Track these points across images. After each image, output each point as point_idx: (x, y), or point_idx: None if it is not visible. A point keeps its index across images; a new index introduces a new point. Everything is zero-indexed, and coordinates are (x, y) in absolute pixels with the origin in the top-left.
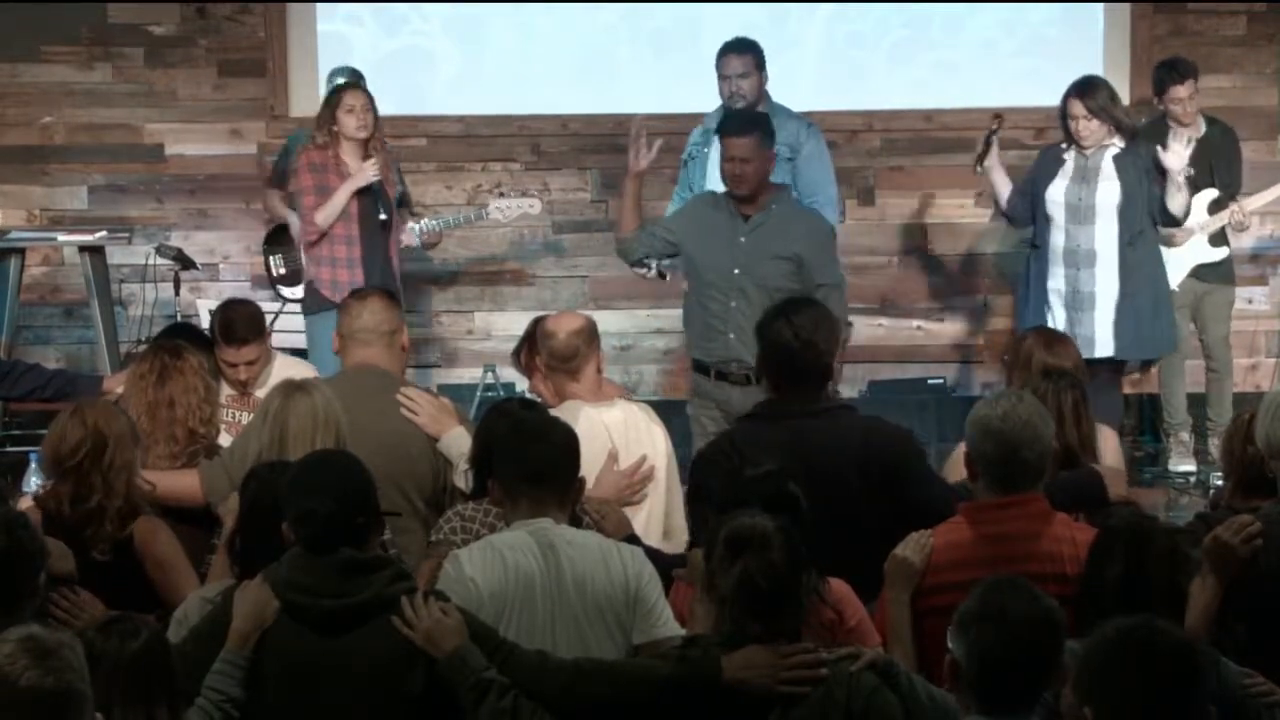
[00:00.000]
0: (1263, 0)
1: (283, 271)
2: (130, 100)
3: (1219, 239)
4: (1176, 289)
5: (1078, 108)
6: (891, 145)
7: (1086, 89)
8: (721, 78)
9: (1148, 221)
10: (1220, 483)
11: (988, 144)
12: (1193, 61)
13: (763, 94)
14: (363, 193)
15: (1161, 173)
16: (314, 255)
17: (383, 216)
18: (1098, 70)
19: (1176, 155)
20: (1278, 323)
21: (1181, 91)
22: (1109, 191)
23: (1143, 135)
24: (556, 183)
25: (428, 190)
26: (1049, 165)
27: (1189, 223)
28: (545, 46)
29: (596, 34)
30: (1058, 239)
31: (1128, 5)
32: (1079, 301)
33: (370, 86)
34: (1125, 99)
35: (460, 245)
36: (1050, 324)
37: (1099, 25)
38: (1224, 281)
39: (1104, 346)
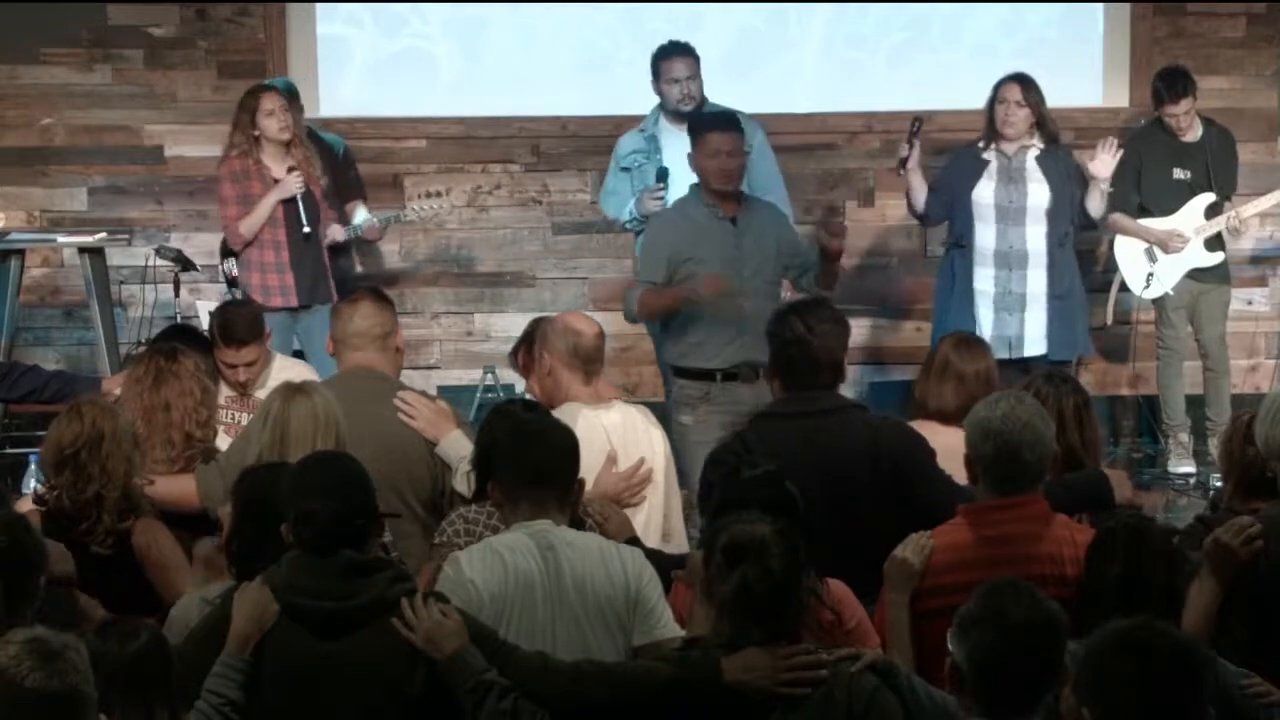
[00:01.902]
0: (1262, 1)
1: (234, 274)
2: (130, 102)
3: (1215, 242)
4: (1172, 291)
5: (1014, 92)
6: (891, 147)
7: (1026, 79)
8: (670, 81)
9: (1070, 223)
10: (1220, 484)
11: (910, 145)
12: (1191, 77)
13: (702, 94)
14: (288, 201)
15: (1080, 177)
16: (244, 261)
17: (305, 230)
18: (1098, 73)
19: (1104, 164)
20: (1278, 324)
21: (1178, 108)
22: (1039, 193)
23: (1138, 137)
24: (556, 184)
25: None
26: (968, 165)
27: (1186, 226)
28: (545, 48)
29: (596, 36)
30: (987, 240)
31: (1127, 7)
32: (1009, 302)
33: (370, 88)
34: (1125, 101)
35: (459, 247)
36: (975, 324)
37: (1098, 27)
38: (1220, 281)
39: (1034, 345)
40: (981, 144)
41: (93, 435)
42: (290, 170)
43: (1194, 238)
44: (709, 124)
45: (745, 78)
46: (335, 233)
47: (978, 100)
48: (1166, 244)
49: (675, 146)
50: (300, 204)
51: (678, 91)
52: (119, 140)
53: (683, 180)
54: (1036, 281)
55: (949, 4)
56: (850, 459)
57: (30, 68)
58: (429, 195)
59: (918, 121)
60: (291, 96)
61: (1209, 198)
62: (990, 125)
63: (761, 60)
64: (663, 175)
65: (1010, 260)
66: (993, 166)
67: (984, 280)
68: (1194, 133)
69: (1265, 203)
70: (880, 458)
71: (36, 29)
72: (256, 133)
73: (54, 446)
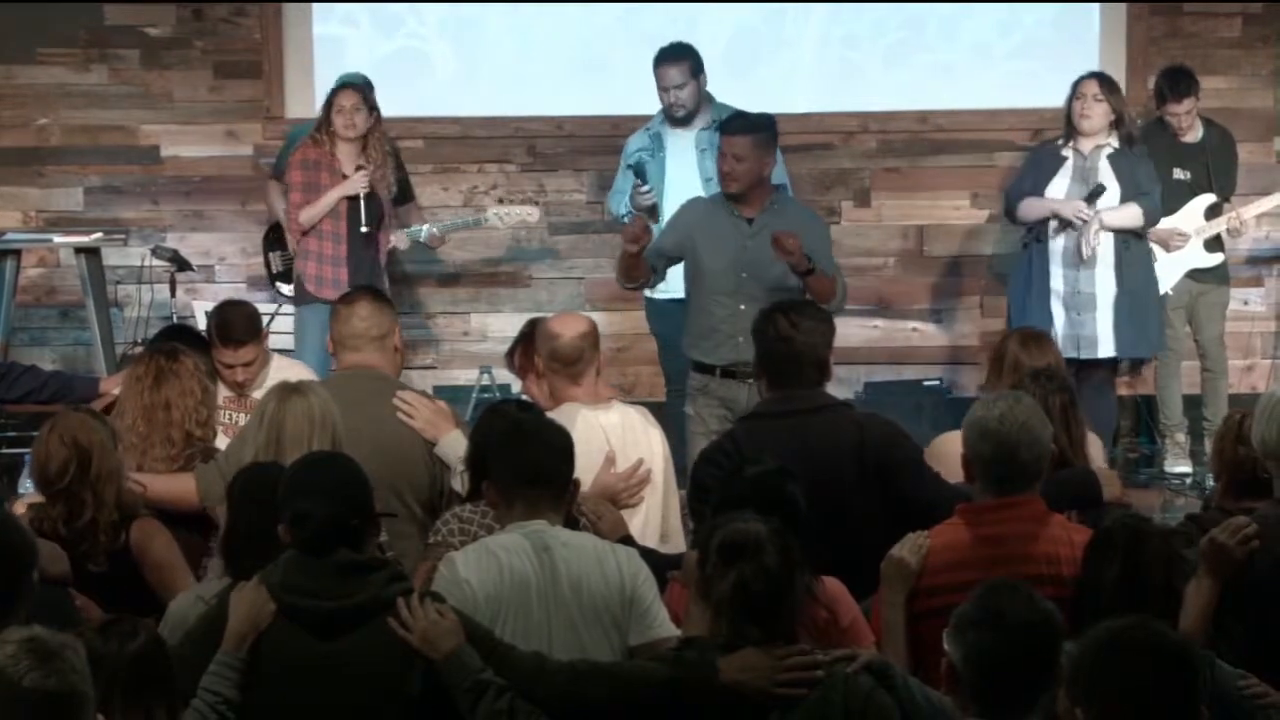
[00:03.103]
0: (1259, 1)
1: (280, 269)
2: (126, 102)
3: (1214, 244)
4: (1171, 291)
5: (1092, 88)
6: (887, 147)
7: (1105, 77)
8: (660, 89)
9: None
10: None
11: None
12: (1194, 77)
13: (703, 96)
14: (352, 197)
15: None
16: (302, 249)
17: (364, 229)
18: None
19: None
20: (1273, 324)
21: (1180, 108)
22: (1109, 193)
23: (1139, 136)
24: (552, 184)
25: (424, 191)
26: (1048, 163)
27: (1186, 227)
28: (541, 48)
29: (593, 36)
30: (1059, 239)
31: (1124, 6)
32: (1079, 302)
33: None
34: None
35: (456, 247)
36: (1052, 323)
37: (1095, 27)
38: (1219, 282)
39: (1105, 346)
40: (1060, 141)
41: (80, 458)
42: (359, 169)
43: (1194, 238)
44: (725, 125)
45: (742, 77)
46: (398, 239)
47: (974, 100)
48: (1167, 243)
49: (678, 146)
50: (362, 203)
51: (666, 99)
52: (115, 140)
53: (681, 180)
54: (1105, 281)
55: (945, 4)
56: (837, 457)
57: (26, 68)
58: (510, 201)
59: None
60: (368, 89)
61: (1209, 198)
62: (1068, 122)
63: (758, 60)
64: (640, 173)
65: (1079, 260)
66: (1068, 164)
67: (1056, 279)
68: (1195, 133)
69: (1266, 204)
70: (866, 455)
71: (32, 29)
72: (331, 127)
73: (41, 477)
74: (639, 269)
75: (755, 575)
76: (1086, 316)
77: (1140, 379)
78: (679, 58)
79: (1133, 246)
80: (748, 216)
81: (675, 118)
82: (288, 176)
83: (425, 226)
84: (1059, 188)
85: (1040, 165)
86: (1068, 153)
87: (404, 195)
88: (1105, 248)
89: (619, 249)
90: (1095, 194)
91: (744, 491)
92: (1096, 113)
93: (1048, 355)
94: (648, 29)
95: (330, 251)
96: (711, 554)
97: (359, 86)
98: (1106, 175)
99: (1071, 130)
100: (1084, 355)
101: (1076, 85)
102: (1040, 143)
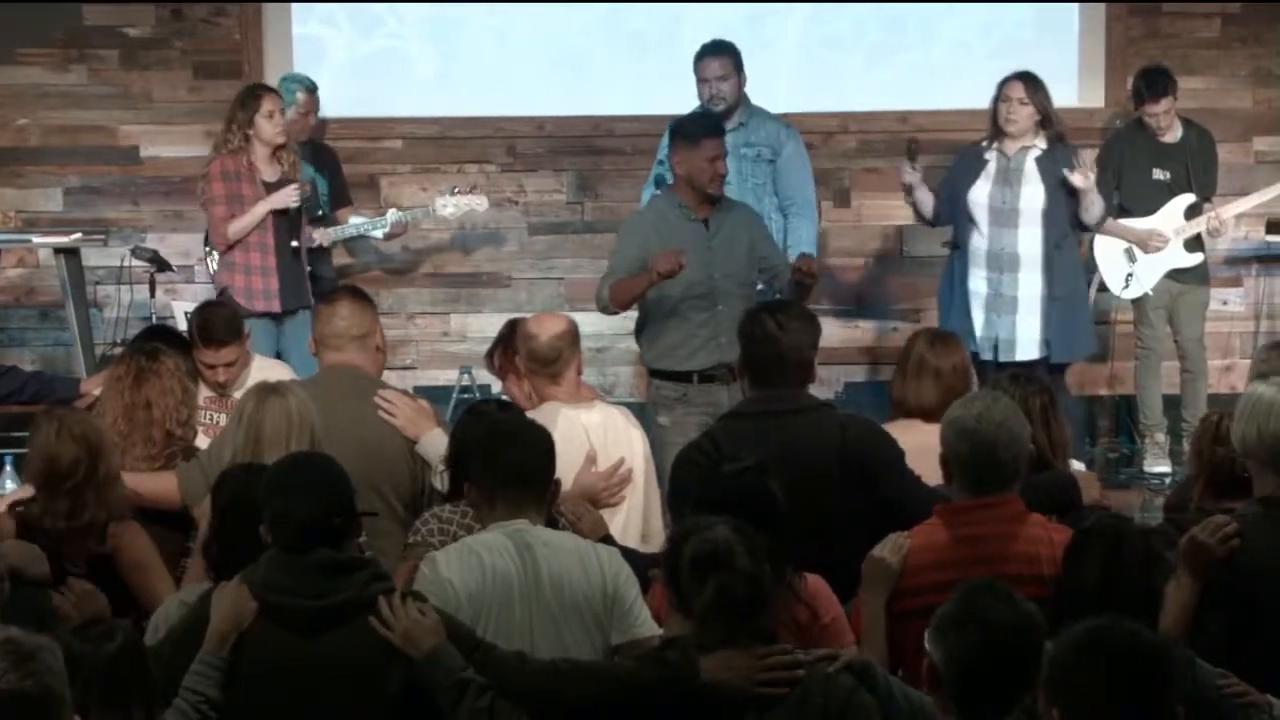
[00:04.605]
0: (1237, 1)
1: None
2: (105, 102)
3: (1194, 244)
4: (1151, 291)
5: (1017, 90)
6: (867, 147)
7: (1030, 77)
8: (701, 80)
9: (1069, 225)
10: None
11: (913, 168)
12: (1172, 77)
13: (742, 95)
14: (279, 211)
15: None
16: (227, 261)
17: (295, 244)
18: (1073, 73)
19: (1082, 176)
20: (1253, 324)
21: (1158, 107)
22: (1033, 195)
23: (1119, 137)
24: (532, 184)
25: (404, 192)
26: (970, 165)
27: (1166, 227)
28: (521, 48)
29: (573, 36)
30: (979, 241)
31: (1103, 7)
32: (999, 304)
33: (346, 88)
34: (1100, 101)
35: (436, 247)
36: (971, 326)
37: (1074, 28)
38: (1199, 282)
39: (1026, 349)
40: (984, 143)
41: (90, 457)
42: (284, 179)
43: (1174, 238)
44: (705, 128)
45: None
46: (321, 236)
47: (954, 100)
48: (1146, 243)
49: None
50: (291, 216)
51: (707, 91)
52: (94, 140)
53: None
54: (1030, 285)
55: (925, 5)
56: (820, 458)
57: (5, 68)
58: (457, 192)
59: (914, 143)
60: (311, 91)
61: (1189, 198)
62: (993, 123)
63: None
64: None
65: (1002, 262)
66: (991, 167)
67: (977, 281)
68: (1174, 133)
69: (1245, 204)
70: (849, 456)
71: (11, 29)
72: (250, 131)
73: (48, 473)
74: (644, 297)
75: (734, 581)
76: (1006, 319)
77: (1120, 379)
78: (721, 51)
79: (1063, 249)
80: (703, 218)
81: (714, 111)
82: (209, 189)
83: (395, 217)
84: (981, 190)
85: (962, 168)
86: (990, 155)
87: (343, 198)
88: (1033, 250)
89: (599, 251)
90: (912, 153)
91: (722, 490)
92: (1021, 115)
93: (954, 356)
94: (629, 29)
95: (258, 262)
96: (684, 569)
97: (277, 92)
98: (1031, 177)
99: (997, 132)
100: (1002, 358)
101: (1001, 87)
102: (963, 147)
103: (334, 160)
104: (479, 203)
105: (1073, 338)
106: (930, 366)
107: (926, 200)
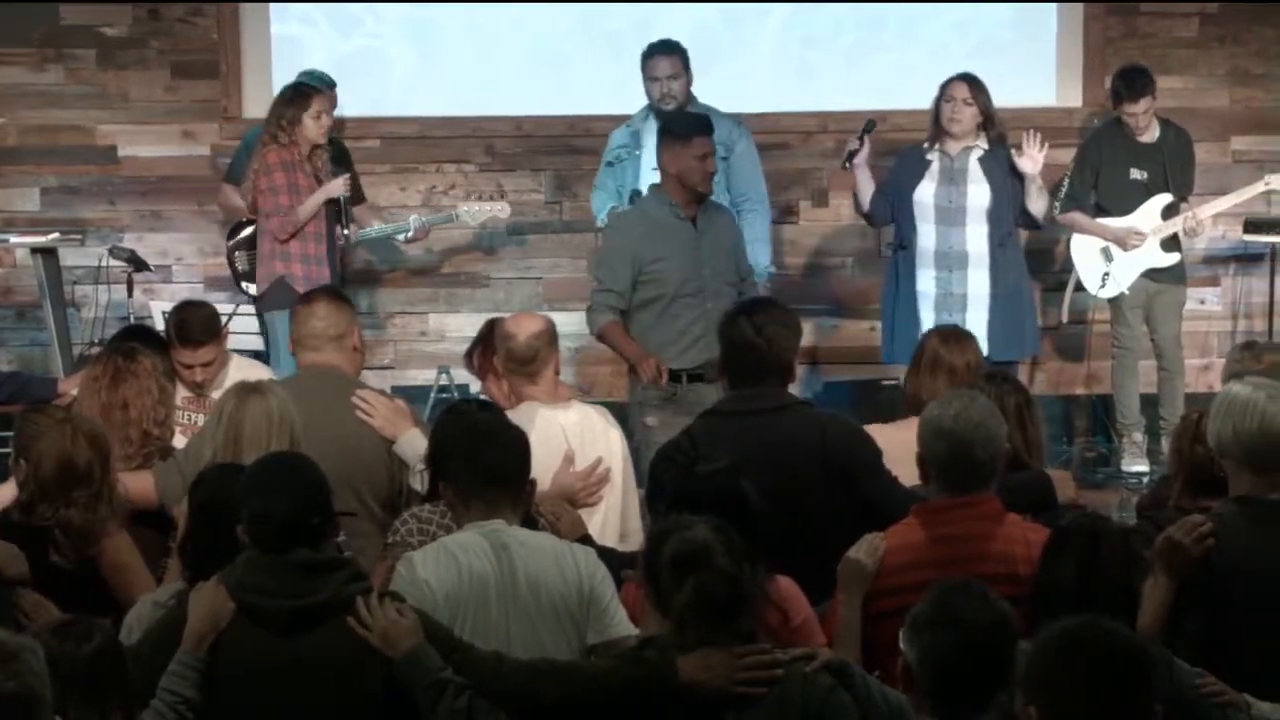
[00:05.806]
0: (1215, 1)
1: (245, 268)
2: (83, 102)
3: (1171, 243)
4: (1128, 291)
5: (961, 91)
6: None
7: (973, 79)
8: (651, 79)
9: (1013, 223)
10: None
11: (861, 142)
12: (1151, 76)
13: (689, 94)
14: (331, 200)
15: (1019, 176)
16: (284, 251)
17: (345, 233)
18: (1051, 73)
19: (1031, 160)
20: (1230, 323)
21: (1137, 107)
22: (979, 194)
23: (1096, 136)
24: (511, 184)
25: (382, 192)
26: (913, 166)
27: (1143, 226)
28: (500, 48)
29: (551, 36)
30: (927, 241)
31: (1081, 7)
32: (950, 304)
33: None
34: (1078, 101)
35: (414, 246)
36: (919, 326)
37: (1052, 28)
38: (1175, 281)
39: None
40: (926, 144)
41: (101, 460)
42: (333, 172)
43: (1151, 237)
44: (696, 127)
45: (700, 77)
46: (347, 235)
47: (931, 101)
48: (1124, 242)
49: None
50: (341, 205)
51: (658, 90)
52: (72, 140)
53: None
54: (978, 283)
55: (904, 4)
56: (799, 456)
57: None
58: (481, 198)
59: (872, 122)
60: (331, 88)
61: (1166, 198)
62: (936, 124)
63: (717, 60)
64: (634, 199)
65: (950, 261)
66: (934, 167)
67: (926, 282)
68: (1152, 133)
69: (1222, 204)
70: (828, 454)
71: None
72: (299, 128)
73: (64, 472)
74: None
75: (714, 581)
76: (957, 318)
77: (1097, 379)
78: (671, 51)
79: (1007, 248)
80: (690, 217)
81: (664, 110)
82: (270, 179)
83: (417, 221)
84: (926, 190)
85: (905, 169)
86: (933, 155)
87: (359, 195)
88: (980, 248)
89: (577, 251)
90: (869, 128)
91: (695, 489)
92: (965, 116)
93: (968, 353)
94: (606, 29)
95: (314, 252)
96: (663, 569)
97: (327, 92)
98: (976, 176)
99: (939, 132)
100: None
101: (945, 87)
102: (904, 148)
103: (349, 158)
104: (501, 209)
105: (1016, 336)
106: (944, 363)
107: (868, 188)
